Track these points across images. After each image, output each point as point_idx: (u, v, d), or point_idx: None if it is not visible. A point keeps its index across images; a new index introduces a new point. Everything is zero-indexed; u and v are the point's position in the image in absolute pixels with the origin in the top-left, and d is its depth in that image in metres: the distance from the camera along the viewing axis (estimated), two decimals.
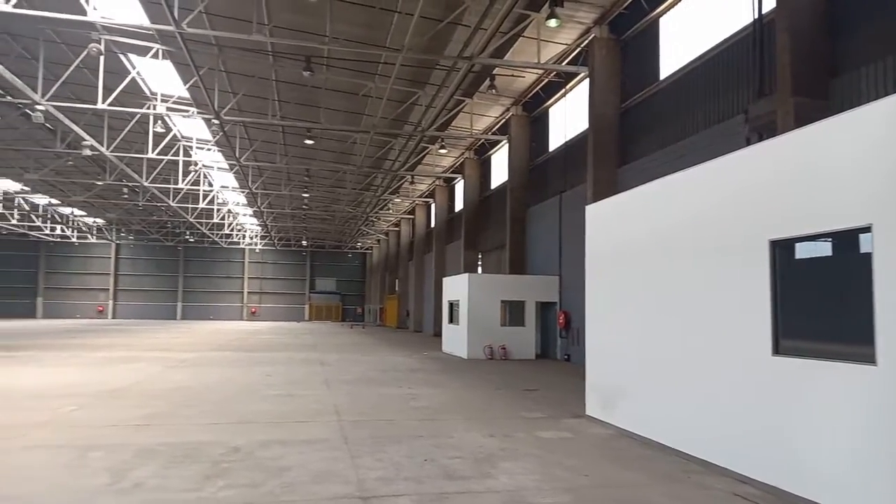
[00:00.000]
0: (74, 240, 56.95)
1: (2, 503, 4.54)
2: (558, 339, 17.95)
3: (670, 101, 13.34)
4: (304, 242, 61.79)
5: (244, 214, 48.26)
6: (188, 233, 56.50)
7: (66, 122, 19.72)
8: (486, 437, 7.10)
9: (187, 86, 19.13)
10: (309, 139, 22.70)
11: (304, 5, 13.64)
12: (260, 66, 18.30)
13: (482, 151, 26.60)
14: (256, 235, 59.50)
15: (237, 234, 57.49)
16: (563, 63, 16.96)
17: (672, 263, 6.77)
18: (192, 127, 25.34)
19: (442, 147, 23.99)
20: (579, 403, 9.01)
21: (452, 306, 20.06)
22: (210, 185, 35.42)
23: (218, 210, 43.15)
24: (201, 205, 36.20)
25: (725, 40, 11.62)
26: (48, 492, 4.77)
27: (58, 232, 53.41)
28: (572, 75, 17.48)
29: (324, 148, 27.48)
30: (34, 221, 48.21)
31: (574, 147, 17.74)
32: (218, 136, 25.11)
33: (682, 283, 6.58)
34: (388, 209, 41.73)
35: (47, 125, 23.22)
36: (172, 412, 8.37)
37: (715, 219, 6.10)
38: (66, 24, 14.88)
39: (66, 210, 47.55)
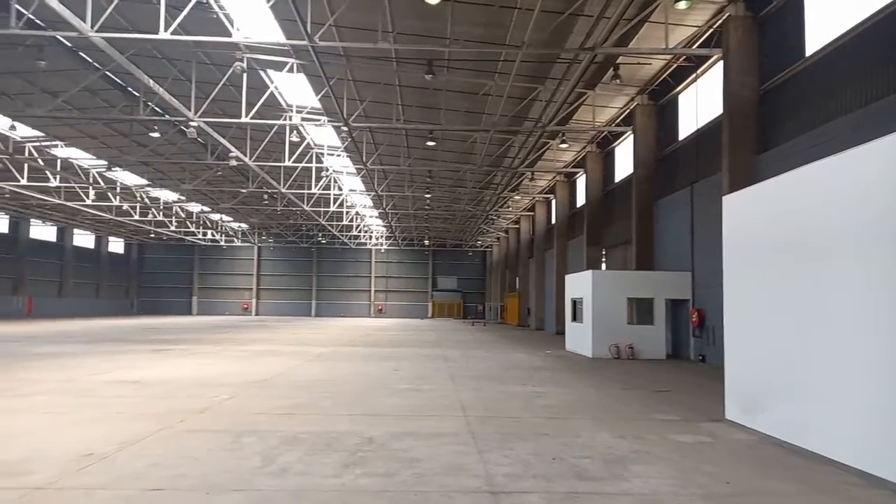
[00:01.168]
0: (223, 243, 62.63)
1: (183, 480, 5.09)
2: (691, 338, 17.00)
3: (817, 80, 12.17)
4: (427, 242, 63.43)
5: (370, 216, 50.41)
6: (320, 235, 60.03)
7: (215, 135, 21.71)
8: (617, 438, 6.90)
9: (319, 96, 20.30)
10: (431, 141, 23.26)
11: (426, 10, 14.00)
12: (385, 72, 19.02)
13: (605, 144, 25.82)
14: (382, 236, 61.97)
15: (364, 235, 60.19)
16: (694, 46, 16.05)
17: (832, 256, 6.16)
18: (324, 135, 26.86)
19: (563, 142, 23.59)
20: (717, 407, 8.49)
21: (576, 304, 19.67)
22: (340, 189, 37.39)
23: (347, 212, 45.45)
24: (332, 208, 38.31)
25: (884, 8, 10.40)
26: (215, 473, 5.27)
27: (209, 236, 58.94)
28: (703, 59, 16.49)
29: (445, 149, 28.02)
30: (189, 227, 53.64)
31: (706, 135, 16.72)
32: (347, 143, 26.45)
33: (842, 278, 5.97)
34: (508, 207, 41.74)
35: (199, 140, 25.65)
36: (312, 403, 8.93)
37: (886, 206, 5.45)
38: (214, 46, 16.37)
39: (216, 216, 52.33)
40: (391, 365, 14.60)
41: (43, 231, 53.02)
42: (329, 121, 22.47)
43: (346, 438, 6.61)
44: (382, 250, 66.51)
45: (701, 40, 15.94)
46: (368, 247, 64.65)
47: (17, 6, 12.72)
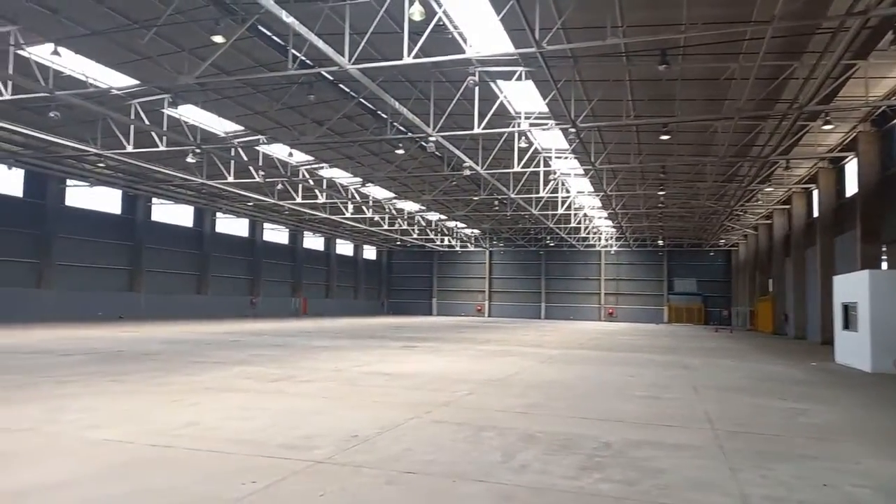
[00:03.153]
0: (458, 249, 66.73)
1: (433, 466, 5.55)
2: None
3: None
4: (661, 242, 59.99)
5: (599, 217, 49.38)
6: (548, 238, 60.54)
7: (451, 148, 23.24)
8: None
9: (546, 100, 20.53)
10: (665, 134, 21.99)
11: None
12: (613, 68, 18.52)
13: (882, 121, 21.82)
14: (611, 237, 60.26)
15: (593, 237, 59.16)
16: None
17: None
18: (551, 138, 27.07)
19: (826, 122, 20.50)
20: None
21: (847, 309, 16.92)
22: (567, 191, 37.30)
23: (574, 215, 45.14)
24: (560, 211, 38.36)
25: None
26: (459, 462, 5.63)
27: (445, 243, 63.25)
28: None
29: (680, 142, 26.27)
30: (428, 235, 58.20)
31: None
32: (574, 144, 26.31)
33: None
34: (757, 200, 37.54)
35: (436, 153, 27.71)
36: (546, 403, 9.03)
37: None
38: (450, 65, 17.55)
39: (451, 224, 55.95)
40: (625, 370, 14.11)
41: (313, 242, 61.93)
42: (556, 124, 22.57)
43: (582, 441, 6.55)
44: (612, 252, 64.65)
45: None
46: (597, 248, 63.37)
47: (293, 51, 15.10)
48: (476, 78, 17.10)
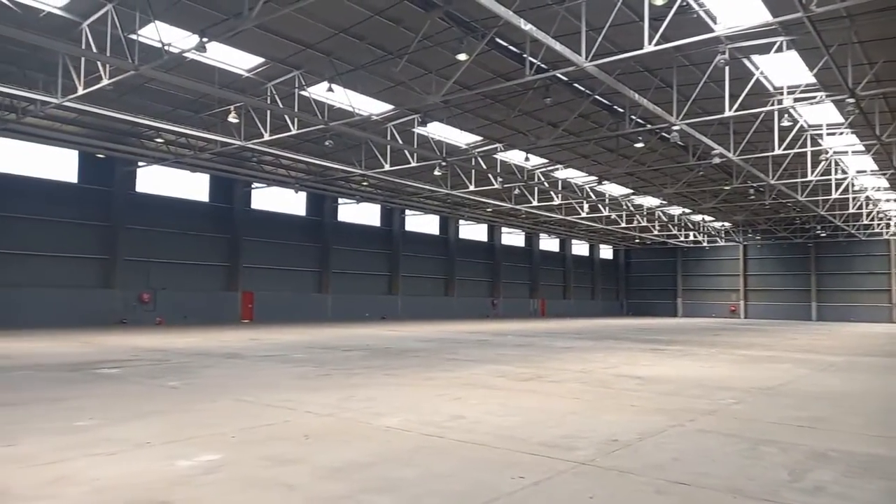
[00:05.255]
0: (705, 244, 61.53)
1: (706, 479, 5.18)
2: None
3: None
4: None
5: (886, 200, 41.52)
6: (818, 227, 52.63)
7: (697, 136, 21.55)
8: None
9: (814, 70, 17.90)
10: None
11: None
12: None
13: None
14: None
15: (878, 224, 49.90)
16: None
17: None
18: (820, 113, 23.52)
19: None
20: None
21: None
22: (843, 172, 32.05)
23: (853, 199, 38.57)
24: (833, 195, 33.15)
25: None
26: (736, 477, 5.17)
27: (690, 238, 58.84)
28: None
29: None
30: (671, 231, 54.73)
31: None
32: (852, 117, 22.45)
33: None
34: None
35: (679, 143, 25.93)
36: (836, 417, 7.83)
37: None
38: (694, 47, 16.31)
39: (697, 217, 51.88)
40: None
41: (548, 243, 62.52)
42: (828, 95, 19.54)
43: (887, 465, 5.54)
44: None
45: None
46: (885, 237, 53.19)
47: (530, 58, 15.43)
48: (726, 56, 15.61)
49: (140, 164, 30.28)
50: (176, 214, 32.98)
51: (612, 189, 38.97)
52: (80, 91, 17.22)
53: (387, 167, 26.80)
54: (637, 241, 63.60)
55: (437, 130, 26.06)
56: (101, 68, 16.74)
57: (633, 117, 22.38)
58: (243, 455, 5.48)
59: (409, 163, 26.66)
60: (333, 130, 22.13)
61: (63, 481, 4.64)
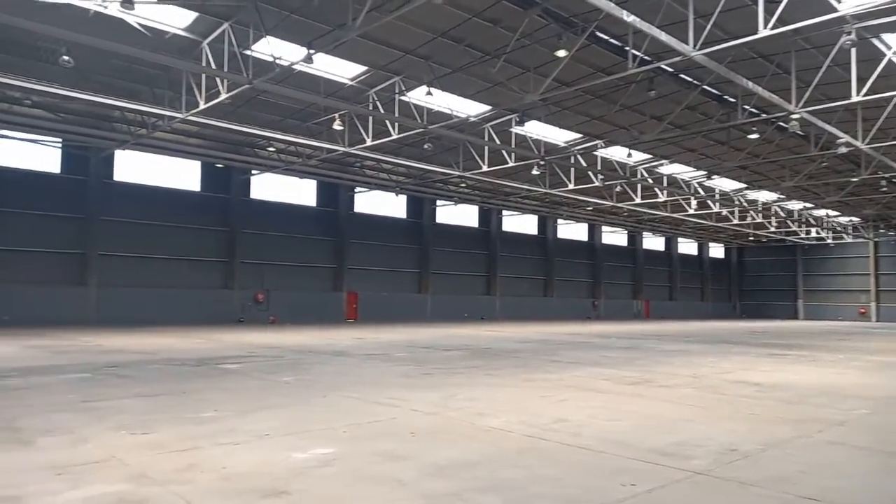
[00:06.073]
0: (829, 241, 56.64)
1: (837, 494, 4.78)
2: None
3: None
4: None
5: None
6: None
7: (820, 124, 19.94)
8: None
9: None
10: None
11: None
12: None
13: None
14: None
15: None
16: None
17: None
18: None
19: None
20: None
21: None
22: None
23: None
24: None
25: None
26: (868, 491, 4.74)
27: (812, 234, 54.44)
28: None
29: None
30: (790, 227, 50.89)
31: None
32: None
33: None
34: None
35: (799, 132, 24.10)
36: None
37: None
38: (814, 28, 15.09)
39: (819, 212, 47.96)
40: None
41: (653, 242, 60.12)
42: None
43: None
44: None
45: None
46: None
47: (633, 50, 14.91)
48: (853, 37, 14.30)
49: (254, 171, 32.26)
50: (286, 219, 34.84)
51: (723, 184, 36.92)
52: (202, 105, 18.60)
53: (484, 168, 26.88)
54: (751, 238, 59.73)
55: (535, 129, 25.81)
56: (219, 83, 17.99)
57: (745, 107, 21.06)
58: (354, 449, 5.69)
59: (507, 163, 26.59)
60: (432, 133, 22.50)
61: (194, 468, 5.01)
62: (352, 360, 13.64)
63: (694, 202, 38.75)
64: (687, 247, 64.18)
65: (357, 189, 37.44)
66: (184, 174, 31.42)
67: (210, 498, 4.32)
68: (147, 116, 23.09)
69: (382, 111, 21.31)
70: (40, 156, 27.48)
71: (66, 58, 15.96)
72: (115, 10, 14.09)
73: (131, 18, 15.53)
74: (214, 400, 8.22)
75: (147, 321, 27.21)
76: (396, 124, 21.97)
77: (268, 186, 34.36)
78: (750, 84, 16.31)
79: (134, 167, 29.74)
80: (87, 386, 9.30)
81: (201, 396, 8.51)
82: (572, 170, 30.47)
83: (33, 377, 10.14)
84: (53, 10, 14.56)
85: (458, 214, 43.86)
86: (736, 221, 45.50)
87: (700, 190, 36.50)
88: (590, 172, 29.77)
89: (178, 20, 16.56)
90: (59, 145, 27.43)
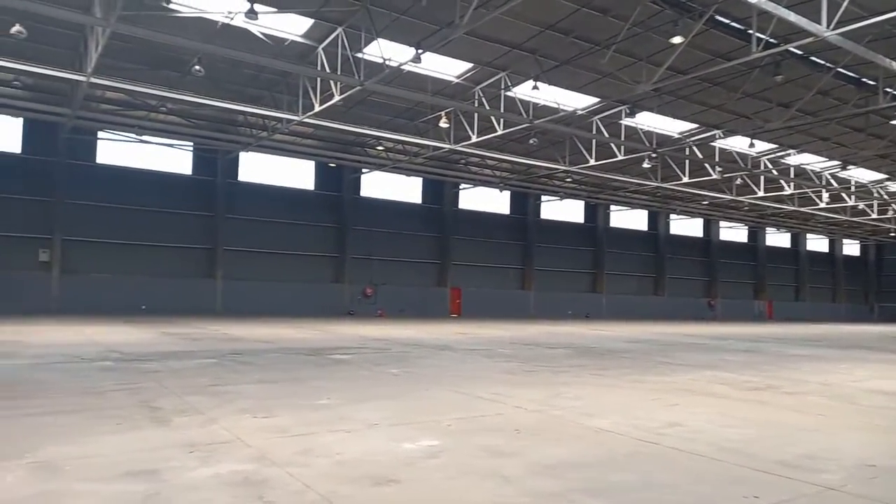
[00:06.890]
0: None
1: None
2: None
3: None
4: None
5: None
6: None
7: None
8: None
9: None
10: None
11: None
12: None
13: None
14: None
15: None
16: None
17: None
18: None
19: None
20: None
21: None
22: None
23: None
24: None
25: None
26: None
27: None
28: None
29: None
30: None
31: None
32: None
33: None
34: None
35: None
36: None
37: None
38: None
39: None
40: None
41: (777, 238, 55.93)
42: None
43: None
44: None
45: None
46: None
47: (758, 34, 13.91)
48: None
49: (363, 170, 33.47)
50: (393, 215, 35.87)
51: (860, 174, 33.67)
52: (317, 108, 19.54)
53: (592, 162, 26.21)
54: (892, 234, 53.98)
55: (647, 120, 24.81)
56: (332, 86, 18.81)
57: (888, 90, 19.05)
58: (460, 443, 5.74)
59: (616, 156, 25.78)
60: (538, 128, 22.26)
61: (311, 452, 5.28)
62: (456, 355, 13.80)
63: (826, 195, 35.63)
64: (816, 243, 59.17)
65: (461, 186, 37.79)
66: (299, 174, 33.20)
67: (326, 482, 4.53)
68: (268, 120, 24.60)
69: (488, 107, 21.34)
70: (175, 159, 30.08)
71: (198, 68, 17.34)
72: (240, 20, 15.11)
73: (255, 28, 16.59)
74: (327, 388, 8.62)
75: (265, 312, 29.03)
76: (502, 120, 21.93)
77: (376, 184, 35.52)
78: (894, 64, 14.72)
79: (255, 168, 31.82)
80: (215, 370, 10.07)
81: (315, 384, 8.95)
82: (687, 162, 28.99)
83: (168, 361, 11.13)
84: (187, 24, 15.86)
85: (563, 210, 43.11)
86: (874, 216, 41.36)
87: (833, 182, 33.49)
88: (706, 164, 28.19)
89: (296, 27, 17.49)
90: (191, 149, 29.87)
